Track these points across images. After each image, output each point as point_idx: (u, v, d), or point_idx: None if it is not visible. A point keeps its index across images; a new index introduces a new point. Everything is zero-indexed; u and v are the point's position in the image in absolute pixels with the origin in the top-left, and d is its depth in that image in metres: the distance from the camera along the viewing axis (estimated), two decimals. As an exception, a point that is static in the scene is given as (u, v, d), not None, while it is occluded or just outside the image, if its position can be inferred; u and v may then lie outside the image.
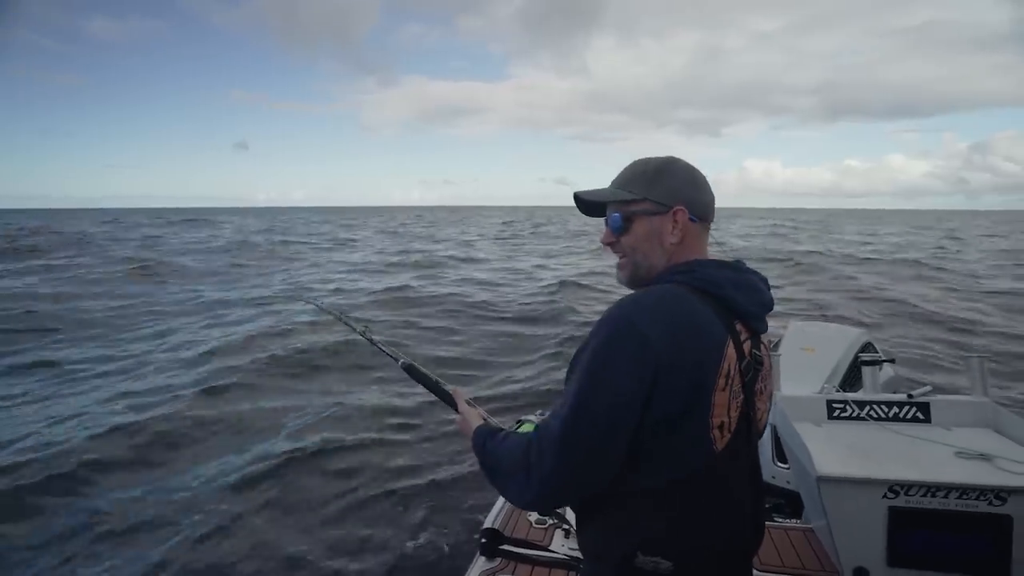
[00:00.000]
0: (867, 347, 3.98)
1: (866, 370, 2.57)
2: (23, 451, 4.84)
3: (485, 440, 1.12)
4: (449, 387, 1.41)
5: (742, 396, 0.98)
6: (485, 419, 1.24)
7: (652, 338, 0.90)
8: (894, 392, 2.55)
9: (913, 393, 2.10)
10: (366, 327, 1.67)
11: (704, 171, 1.10)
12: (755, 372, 1.02)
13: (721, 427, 0.95)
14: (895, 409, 2.08)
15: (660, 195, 1.05)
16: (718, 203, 1.11)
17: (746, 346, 1.01)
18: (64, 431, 5.29)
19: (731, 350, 0.96)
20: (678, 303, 0.96)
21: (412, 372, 1.53)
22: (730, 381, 0.95)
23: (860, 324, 8.74)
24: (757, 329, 1.05)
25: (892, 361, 2.73)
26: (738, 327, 1.00)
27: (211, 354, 8.02)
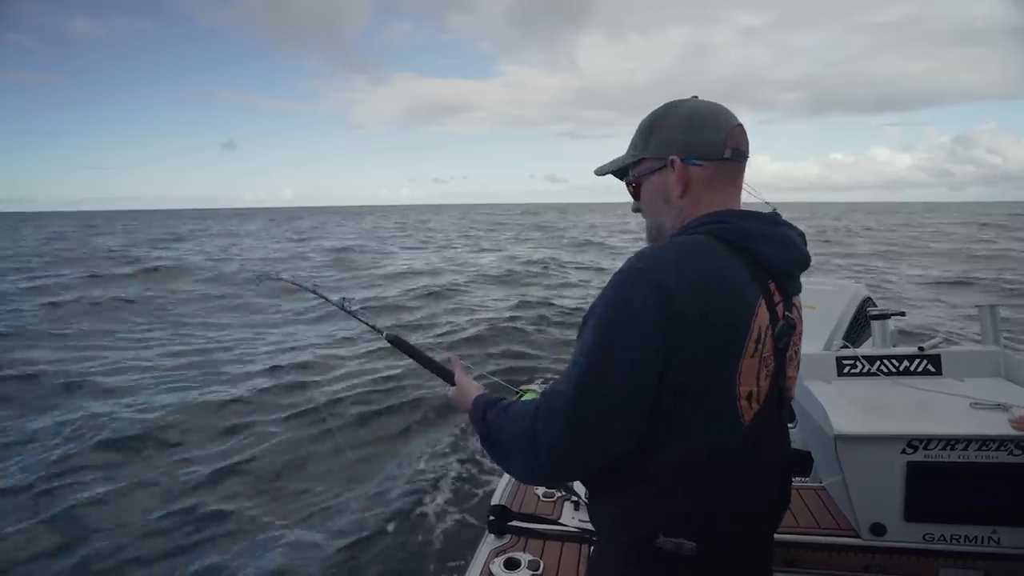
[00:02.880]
0: (866, 301, 3.97)
1: (875, 324, 2.52)
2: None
3: (485, 410, 1.01)
4: (443, 356, 1.30)
5: (773, 364, 0.90)
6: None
7: (676, 293, 0.80)
8: (894, 345, 2.51)
9: (924, 345, 2.07)
10: (343, 298, 1.52)
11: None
12: (788, 337, 0.93)
13: (749, 397, 0.86)
14: (905, 363, 2.05)
15: (655, 150, 0.98)
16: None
17: (779, 308, 0.91)
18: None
19: (763, 312, 0.87)
20: (708, 256, 0.86)
21: (398, 344, 1.40)
22: (760, 347, 0.86)
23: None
24: (789, 289, 0.95)
25: (902, 314, 2.69)
26: (771, 287, 0.90)
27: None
